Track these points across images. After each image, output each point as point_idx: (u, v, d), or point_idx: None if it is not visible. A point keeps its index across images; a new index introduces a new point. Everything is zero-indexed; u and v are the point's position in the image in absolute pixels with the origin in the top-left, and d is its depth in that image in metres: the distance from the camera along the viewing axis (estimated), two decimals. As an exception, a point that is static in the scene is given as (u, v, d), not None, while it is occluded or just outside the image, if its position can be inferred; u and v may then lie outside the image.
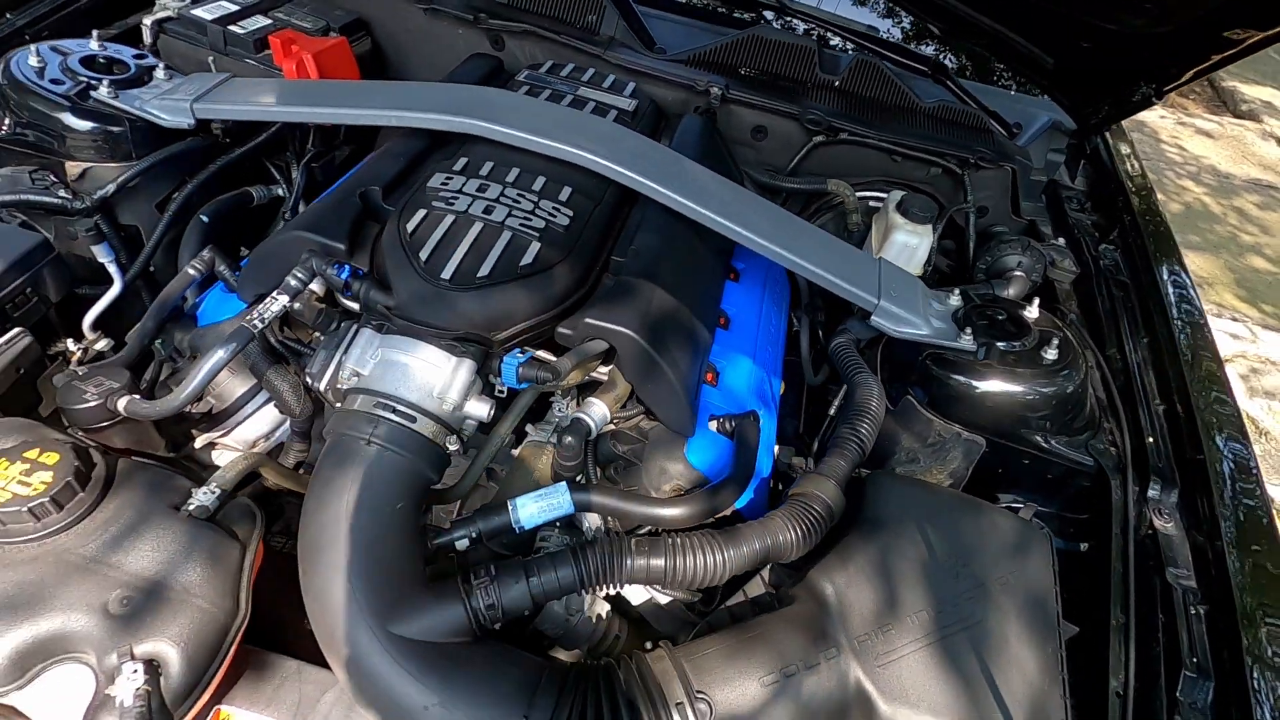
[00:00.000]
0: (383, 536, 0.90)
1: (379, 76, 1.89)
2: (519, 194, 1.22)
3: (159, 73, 1.49)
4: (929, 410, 1.27)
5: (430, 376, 1.03)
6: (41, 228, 1.33)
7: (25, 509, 0.84)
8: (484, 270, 1.08)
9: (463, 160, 1.28)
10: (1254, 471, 1.21)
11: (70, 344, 1.32)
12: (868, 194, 1.75)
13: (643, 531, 1.13)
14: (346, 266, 1.14)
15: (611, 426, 1.17)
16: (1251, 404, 3.38)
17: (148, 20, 1.68)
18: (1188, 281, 1.58)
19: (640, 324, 1.09)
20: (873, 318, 1.30)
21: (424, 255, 1.09)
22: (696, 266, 1.35)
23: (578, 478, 1.11)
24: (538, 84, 1.57)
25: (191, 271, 1.28)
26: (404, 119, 1.34)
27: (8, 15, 1.64)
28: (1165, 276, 1.56)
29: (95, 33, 1.54)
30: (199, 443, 1.26)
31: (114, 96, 1.39)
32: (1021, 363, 1.26)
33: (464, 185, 1.22)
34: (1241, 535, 1.10)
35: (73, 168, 1.38)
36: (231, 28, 1.67)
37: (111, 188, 1.35)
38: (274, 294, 1.08)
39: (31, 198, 1.29)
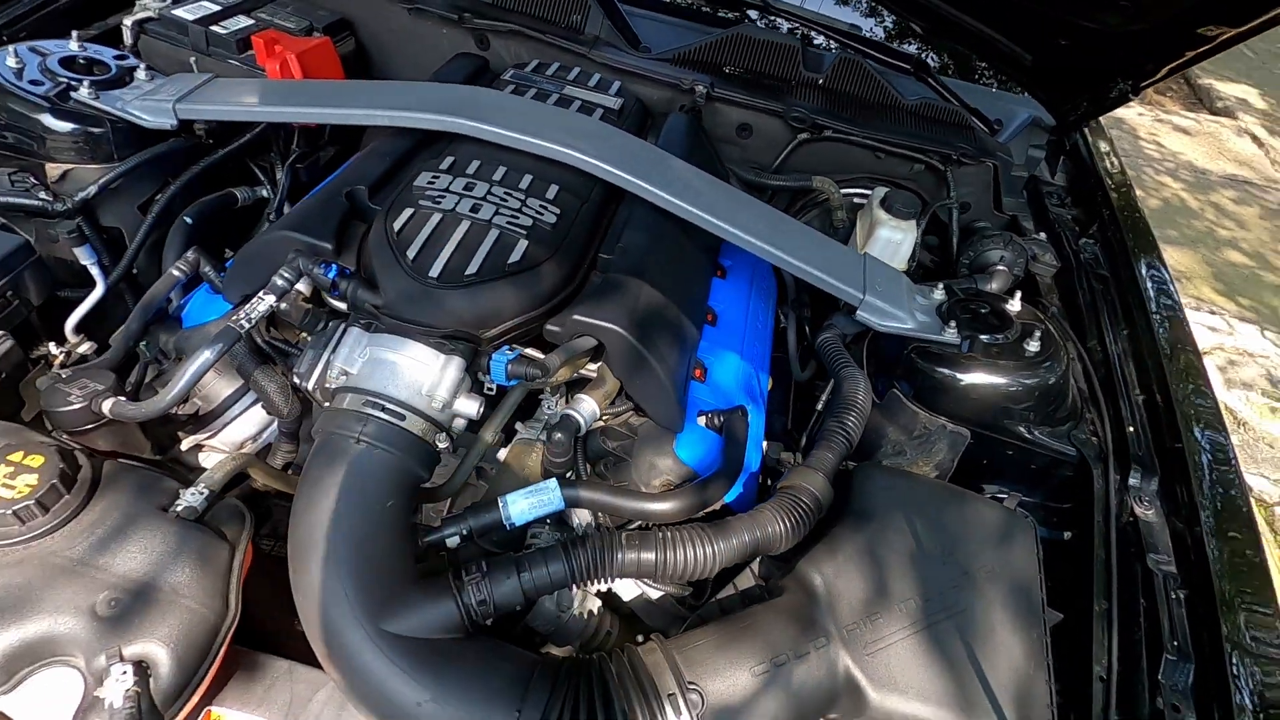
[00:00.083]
0: (373, 534, 0.90)
1: (363, 77, 1.88)
2: (506, 192, 1.22)
3: (140, 73, 1.48)
4: (914, 403, 1.29)
5: (419, 374, 1.03)
6: (22, 230, 1.32)
7: (10, 512, 0.83)
8: (472, 268, 1.08)
9: (449, 159, 1.28)
10: (1232, 461, 1.23)
11: (53, 347, 1.31)
12: (852, 191, 1.76)
13: (633, 526, 1.13)
14: (333, 266, 1.14)
15: (601, 423, 1.17)
16: (1230, 395, 3.44)
17: (128, 21, 1.66)
18: (1166, 275, 1.61)
19: (628, 320, 1.09)
20: (858, 312, 1.31)
21: (411, 254, 1.09)
22: (683, 263, 1.36)
23: (567, 474, 1.11)
24: (523, 83, 1.57)
25: (176, 273, 1.27)
26: (390, 118, 1.34)
27: (-15, 16, 1.62)
28: (1144, 271, 1.59)
29: (75, 33, 1.52)
30: (185, 445, 1.26)
31: (95, 97, 1.38)
32: (1004, 355, 1.28)
33: (451, 184, 1.22)
34: (1220, 523, 1.12)
35: (53, 169, 1.36)
36: (214, 28, 1.66)
37: (93, 189, 1.33)
38: (260, 294, 1.08)
39: (11, 200, 1.28)
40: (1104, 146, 2.01)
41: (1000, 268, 1.58)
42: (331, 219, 1.15)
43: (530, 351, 1.12)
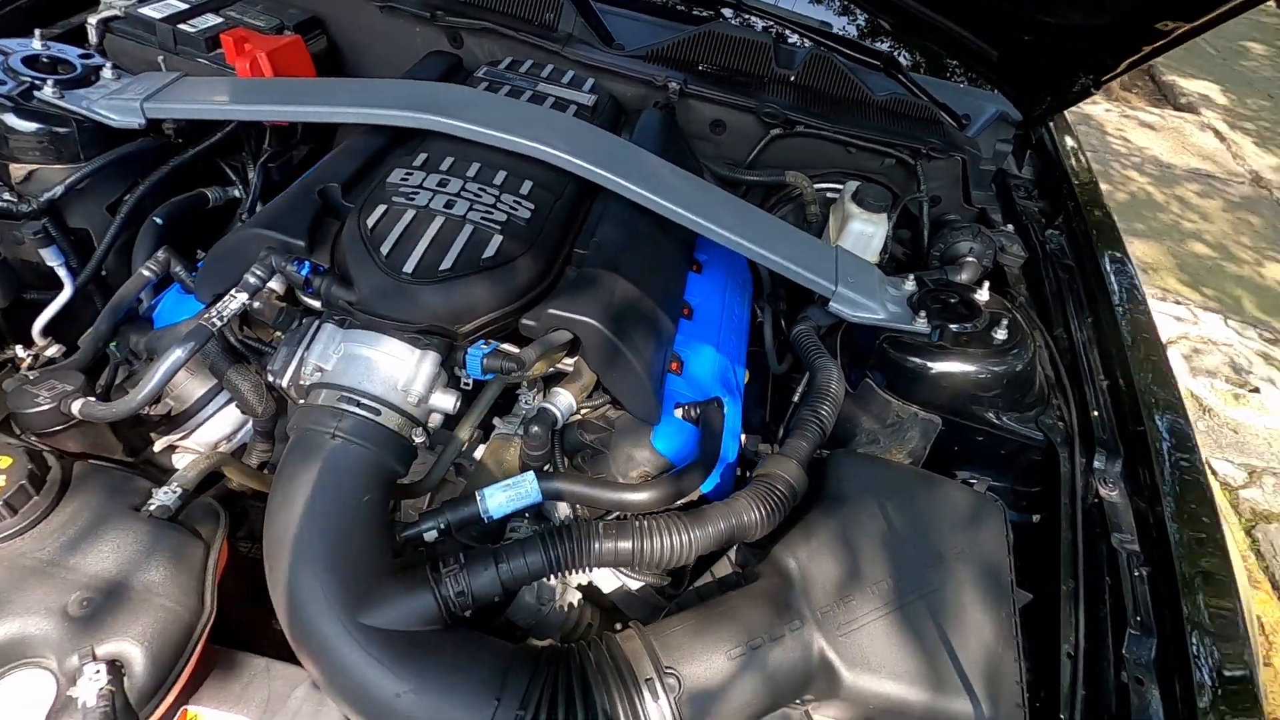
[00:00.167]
0: (349, 529, 0.90)
1: (336, 76, 1.87)
2: (480, 188, 1.23)
3: (106, 72, 1.46)
4: (887, 392, 1.31)
5: (394, 369, 1.03)
6: (-14, 232, 1.30)
7: (-23, 514, 0.82)
8: (446, 263, 1.09)
9: (423, 156, 1.28)
10: (1193, 447, 1.27)
11: (20, 350, 1.29)
12: (825, 185, 1.79)
13: (611, 518, 1.14)
14: (307, 263, 1.14)
15: (578, 416, 1.18)
16: (1195, 382, 3.53)
17: (93, 19, 1.64)
18: (1129, 263, 1.66)
19: (603, 313, 1.10)
20: (831, 304, 1.33)
21: (385, 250, 1.09)
22: (658, 258, 1.37)
23: (545, 467, 1.12)
24: (497, 80, 1.57)
25: (146, 273, 1.26)
26: (363, 115, 1.34)
27: (-56, 15, 1.59)
28: (1107, 264, 1.63)
29: (38, 32, 1.50)
30: (158, 446, 1.24)
31: (59, 97, 1.36)
32: (973, 343, 1.31)
33: (424, 180, 1.22)
34: (1181, 507, 1.15)
35: (17, 170, 1.34)
36: (181, 26, 1.64)
37: (59, 190, 1.31)
38: (232, 292, 1.07)
39: (-26, 201, 1.26)
40: (1071, 144, 2.05)
41: (970, 259, 1.62)
42: (304, 216, 1.15)
43: (506, 346, 1.13)
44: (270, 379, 1.08)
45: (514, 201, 1.23)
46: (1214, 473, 3.15)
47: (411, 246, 1.09)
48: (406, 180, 1.22)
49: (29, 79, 1.38)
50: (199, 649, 0.85)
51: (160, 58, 1.62)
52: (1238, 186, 5.43)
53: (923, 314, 1.34)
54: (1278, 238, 4.89)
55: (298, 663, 0.89)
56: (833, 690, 0.90)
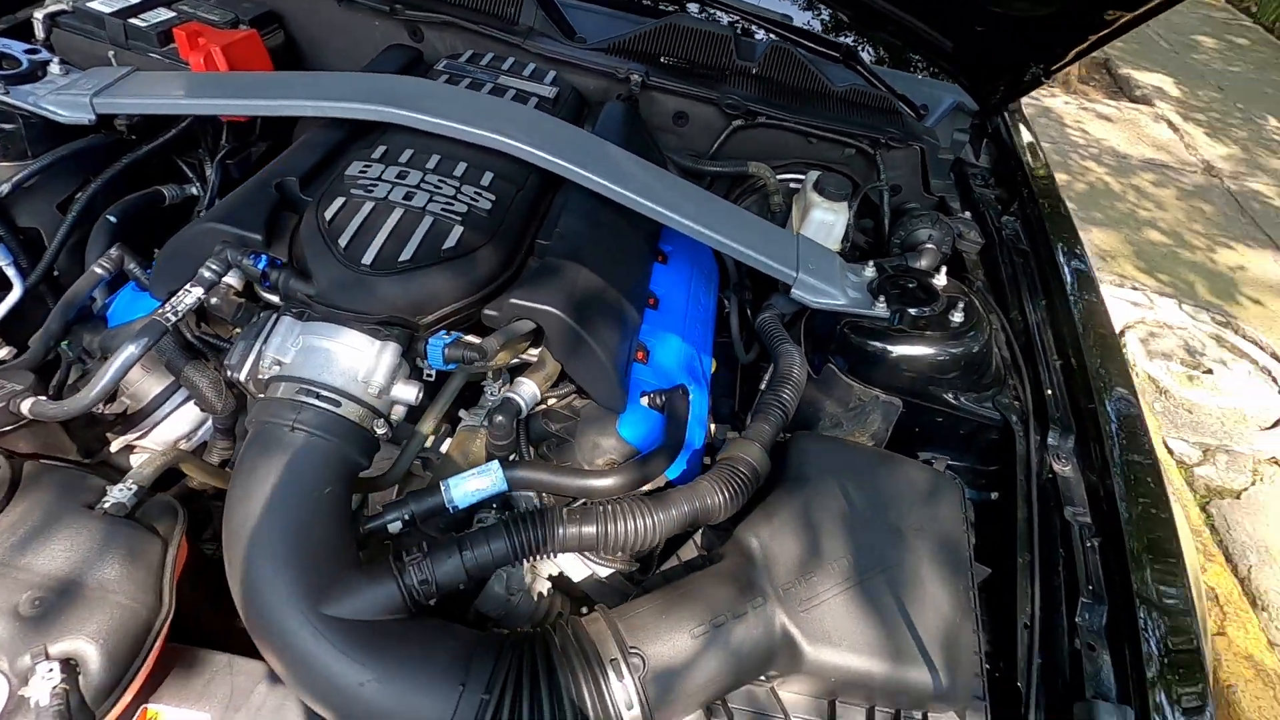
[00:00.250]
0: (310, 521, 0.90)
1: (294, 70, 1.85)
2: (440, 180, 1.22)
3: (54, 68, 1.42)
4: (849, 377, 1.33)
5: (354, 361, 1.03)
6: (-71, 231, 1.26)
7: (-78, 516, 0.80)
8: (406, 254, 1.08)
9: (381, 148, 1.27)
10: (1141, 428, 1.30)
11: (-33, 352, 1.25)
12: (788, 176, 1.81)
13: (577, 504, 1.15)
14: (264, 257, 1.12)
15: (544, 406, 1.18)
16: (1151, 365, 3.63)
17: (39, 14, 1.60)
18: (1080, 248, 1.70)
19: (566, 303, 1.11)
20: (793, 290, 1.35)
21: (343, 242, 1.08)
22: (622, 248, 1.38)
23: (510, 456, 1.12)
24: (457, 73, 1.56)
25: (99, 270, 1.23)
26: (321, 109, 1.33)
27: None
28: (1059, 250, 1.67)
29: (-20, 27, 1.46)
30: (115, 446, 1.22)
31: (4, 92, 1.33)
32: (931, 326, 1.34)
33: (383, 173, 1.21)
34: (1130, 485, 1.19)
35: (-38, 168, 1.31)
36: (133, 21, 1.60)
37: (6, 188, 1.29)
38: (187, 286, 1.06)
39: (-84, 199, 1.22)
40: (1027, 137, 2.10)
41: (929, 246, 1.65)
42: (260, 210, 1.13)
43: (468, 337, 1.13)
44: (228, 374, 1.06)
45: (475, 193, 1.23)
46: (1170, 451, 3.25)
47: (370, 238, 1.09)
48: (365, 172, 1.21)
49: (-29, 75, 1.34)
50: (158, 646, 0.84)
51: (111, 53, 1.59)
52: (1190, 176, 5.60)
53: (882, 299, 1.37)
54: (1228, 225, 5.06)
55: (262, 658, 0.88)
56: (795, 665, 0.91)
